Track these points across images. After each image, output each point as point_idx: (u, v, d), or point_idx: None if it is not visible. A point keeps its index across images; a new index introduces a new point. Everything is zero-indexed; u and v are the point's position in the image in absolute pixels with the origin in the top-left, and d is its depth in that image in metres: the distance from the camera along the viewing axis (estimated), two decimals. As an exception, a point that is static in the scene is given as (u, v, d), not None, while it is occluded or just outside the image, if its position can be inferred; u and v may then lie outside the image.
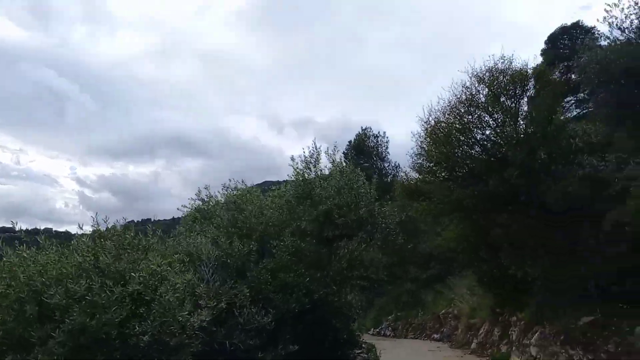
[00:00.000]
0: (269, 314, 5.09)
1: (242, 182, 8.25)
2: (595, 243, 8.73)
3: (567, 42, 18.02)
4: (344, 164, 8.39)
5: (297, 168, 7.53)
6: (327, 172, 7.90)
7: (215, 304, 4.42)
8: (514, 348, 10.53)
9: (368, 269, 6.63)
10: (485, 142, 10.61)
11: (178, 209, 8.63)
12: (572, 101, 15.38)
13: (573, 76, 13.02)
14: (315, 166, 7.47)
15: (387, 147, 36.15)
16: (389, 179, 35.45)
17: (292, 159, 7.56)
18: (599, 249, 8.65)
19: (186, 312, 3.80)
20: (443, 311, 17.59)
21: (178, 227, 8.55)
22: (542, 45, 18.72)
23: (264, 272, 5.76)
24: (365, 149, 37.03)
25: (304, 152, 7.53)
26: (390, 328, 22.44)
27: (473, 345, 13.40)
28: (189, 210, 8.57)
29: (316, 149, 7.55)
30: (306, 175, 7.50)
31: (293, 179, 7.57)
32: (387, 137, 35.92)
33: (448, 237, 11.59)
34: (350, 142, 37.28)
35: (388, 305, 25.05)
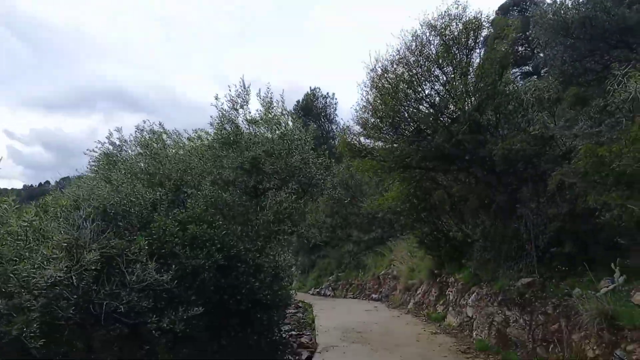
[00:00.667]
0: (170, 270, 4.17)
1: (160, 124, 7.04)
2: (537, 204, 8.47)
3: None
4: (280, 110, 7.39)
5: (222, 109, 6.44)
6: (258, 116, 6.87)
7: (86, 257, 3.40)
8: (450, 309, 10.39)
9: (298, 224, 5.82)
10: (433, 98, 9.97)
11: (85, 152, 7.31)
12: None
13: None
14: (242, 107, 6.41)
15: (335, 109, 35.34)
16: (336, 142, 34.89)
17: (217, 98, 6.44)
18: (539, 210, 8.41)
19: (31, 267, 2.79)
20: (383, 272, 17.51)
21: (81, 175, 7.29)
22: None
23: (170, 223, 4.78)
24: (313, 110, 35.99)
25: (229, 90, 6.43)
26: (330, 288, 22.36)
27: (410, 306, 13.31)
28: (97, 155, 7.29)
29: (245, 89, 6.47)
30: (232, 118, 6.44)
31: (217, 121, 6.49)
32: (335, 99, 35.03)
33: (390, 197, 11.06)
34: (298, 102, 35.98)
35: (330, 266, 25.00)
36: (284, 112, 6.82)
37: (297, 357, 7.09)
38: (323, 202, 25.17)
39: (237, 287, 4.86)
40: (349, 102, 33.74)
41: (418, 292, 13.36)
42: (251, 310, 5.02)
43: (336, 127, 34.69)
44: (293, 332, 8.81)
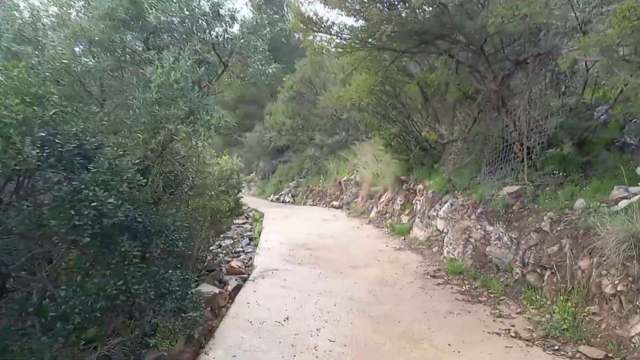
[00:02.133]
0: None
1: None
2: (538, 93, 6.65)
3: None
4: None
5: None
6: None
7: None
8: (417, 220, 8.99)
9: (199, 110, 3.74)
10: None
11: None
12: None
13: None
14: None
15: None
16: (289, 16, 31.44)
17: None
18: (537, 101, 6.62)
19: None
20: (345, 178, 16.03)
21: None
22: None
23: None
24: (275, -1, 31.83)
25: None
26: (290, 194, 21.02)
27: (372, 215, 11.99)
28: None
29: None
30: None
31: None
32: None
33: (354, 88, 8.97)
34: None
35: (291, 171, 23.49)
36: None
37: (220, 288, 5.49)
38: (282, 102, 22.85)
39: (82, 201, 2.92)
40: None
41: (381, 200, 11.96)
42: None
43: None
44: (221, 254, 7.18)
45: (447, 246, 7.15)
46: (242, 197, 12.82)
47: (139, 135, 3.72)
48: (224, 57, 4.39)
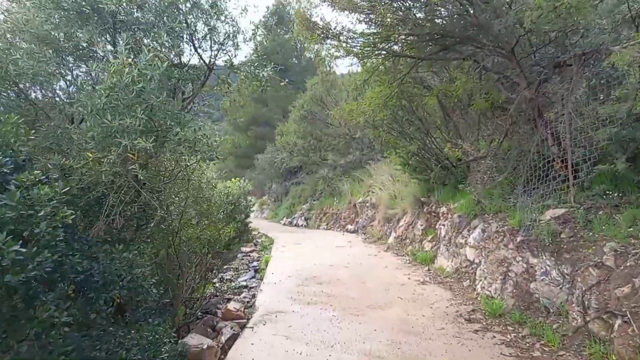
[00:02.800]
0: None
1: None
2: (583, 99, 5.70)
3: None
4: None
5: None
6: None
7: None
8: (442, 247, 7.97)
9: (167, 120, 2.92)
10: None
11: None
12: None
13: None
14: None
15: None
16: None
17: None
18: (581, 107, 5.66)
19: None
20: (360, 200, 15.08)
21: None
22: None
23: None
24: (286, 17, 31.71)
25: None
26: (303, 218, 20.13)
27: (390, 240, 10.98)
28: None
29: None
30: None
31: None
32: (314, 2, 30.44)
33: (367, 101, 8.10)
34: (268, 7, 31.48)
35: (304, 194, 22.67)
36: None
37: (213, 337, 4.56)
38: (294, 122, 22.17)
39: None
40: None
41: (400, 224, 10.96)
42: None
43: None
44: (221, 291, 6.20)
45: (480, 280, 6.12)
46: (250, 222, 11.99)
47: (89, 154, 2.90)
48: (208, 58, 3.58)
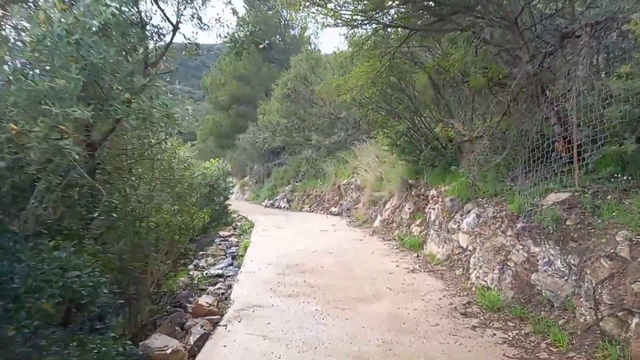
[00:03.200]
0: None
1: None
2: (592, 73, 5.21)
3: None
4: None
5: None
6: None
7: None
8: (432, 232, 7.53)
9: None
10: None
11: None
12: None
13: None
14: None
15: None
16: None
17: None
18: (591, 82, 5.18)
19: None
20: (344, 182, 14.58)
21: None
22: None
23: None
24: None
25: None
26: (285, 200, 19.61)
27: (376, 224, 10.56)
28: None
29: None
30: None
31: None
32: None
33: (355, 76, 7.49)
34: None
35: (286, 175, 22.10)
36: None
37: (181, 337, 4.03)
38: (277, 100, 21.37)
39: None
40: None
41: (387, 207, 10.51)
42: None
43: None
44: (183, 292, 5.59)
45: (474, 269, 5.70)
46: (230, 205, 11.36)
47: (12, 126, 2.26)
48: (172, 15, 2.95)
